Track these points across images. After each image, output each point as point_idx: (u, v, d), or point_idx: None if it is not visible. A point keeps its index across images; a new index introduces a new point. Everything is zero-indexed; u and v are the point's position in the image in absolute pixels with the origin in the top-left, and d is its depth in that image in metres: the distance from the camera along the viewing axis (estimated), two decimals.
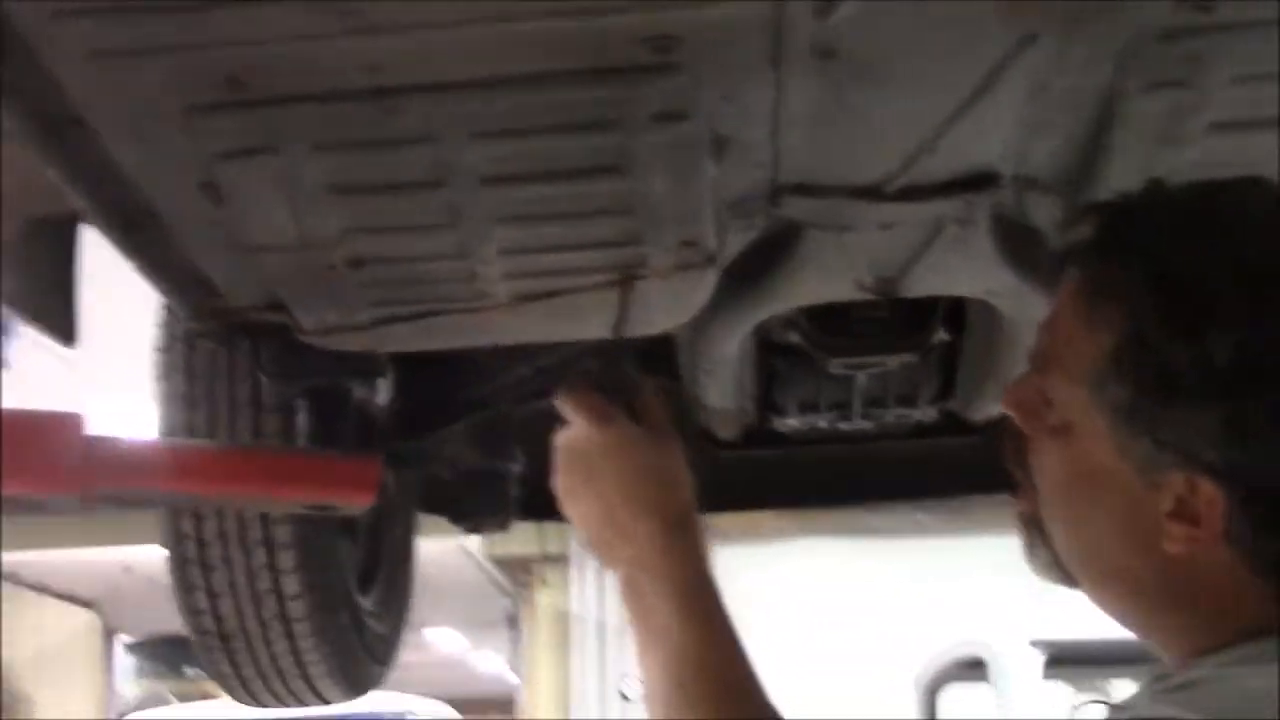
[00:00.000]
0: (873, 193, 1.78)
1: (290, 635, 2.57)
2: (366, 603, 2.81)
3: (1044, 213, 1.86)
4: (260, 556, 2.48)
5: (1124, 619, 1.24)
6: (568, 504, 1.47)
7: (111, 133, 1.58)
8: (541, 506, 3.07)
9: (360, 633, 2.73)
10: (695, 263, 1.84)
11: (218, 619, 2.56)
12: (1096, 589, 1.23)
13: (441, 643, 17.49)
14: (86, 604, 14.85)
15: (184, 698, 13.45)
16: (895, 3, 1.38)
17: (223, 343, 2.30)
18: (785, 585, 12.86)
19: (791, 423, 2.79)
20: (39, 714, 14.90)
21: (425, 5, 1.37)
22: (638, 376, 1.56)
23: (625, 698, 13.82)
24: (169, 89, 1.48)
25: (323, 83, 1.49)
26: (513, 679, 14.09)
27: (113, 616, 15.32)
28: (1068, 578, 1.25)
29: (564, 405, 1.51)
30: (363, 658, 2.76)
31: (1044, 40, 1.47)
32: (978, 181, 1.78)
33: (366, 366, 2.21)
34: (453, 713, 13.38)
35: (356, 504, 2.21)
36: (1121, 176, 1.70)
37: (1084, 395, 1.17)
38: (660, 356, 2.44)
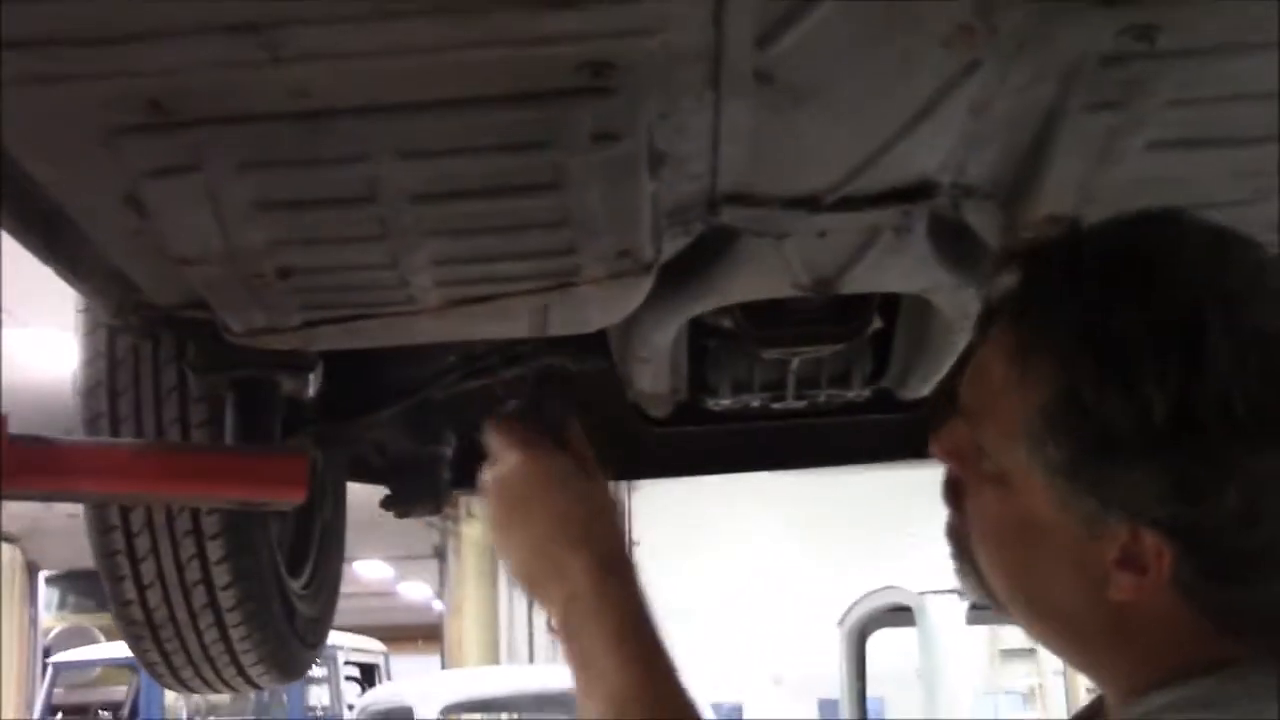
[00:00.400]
0: (810, 203, 1.77)
1: (221, 624, 2.54)
2: (296, 585, 2.79)
3: (981, 218, 1.85)
4: (189, 547, 2.44)
5: (1061, 654, 1.23)
6: (500, 538, 1.44)
7: (27, 152, 1.54)
8: (473, 479, 3.09)
9: (291, 618, 2.71)
10: (631, 270, 1.82)
11: (146, 609, 2.52)
12: (1034, 627, 1.21)
13: (369, 574, 17.51)
14: (9, 539, 14.72)
15: (107, 631, 13.38)
16: (837, 34, 1.35)
17: (146, 337, 2.26)
18: (716, 516, 12.94)
19: (724, 402, 2.77)
20: None
21: (353, 35, 1.33)
22: (563, 409, 1.54)
23: (554, 630, 13.93)
24: (89, 113, 1.44)
25: (246, 106, 1.45)
26: (439, 607, 14.10)
27: (34, 550, 15.20)
28: (995, 601, 1.23)
29: (492, 439, 1.47)
30: (293, 642, 2.74)
31: (987, 65, 1.45)
32: (915, 192, 1.76)
33: (295, 361, 2.18)
34: (380, 646, 13.40)
35: (286, 501, 2.18)
36: (1059, 190, 1.70)
37: (1020, 450, 1.13)
38: (592, 342, 2.41)
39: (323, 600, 2.94)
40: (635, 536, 13.74)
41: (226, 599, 2.50)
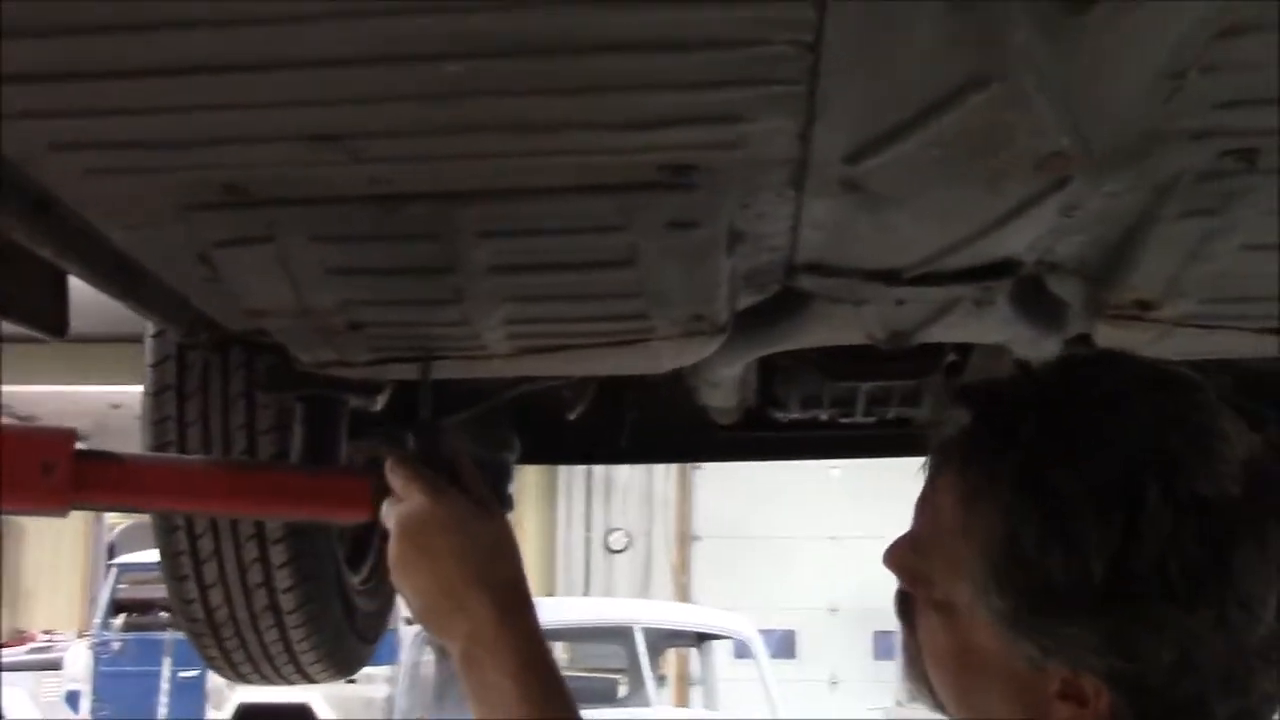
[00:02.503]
0: (888, 277, 1.75)
1: (281, 625, 2.57)
2: (356, 581, 2.81)
3: (1066, 289, 1.82)
4: (252, 550, 2.47)
5: None
6: (401, 576, 1.52)
7: (102, 221, 1.54)
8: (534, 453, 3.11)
9: (350, 616, 2.73)
10: (703, 331, 1.82)
11: (208, 609, 2.55)
12: None
13: None
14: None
15: None
16: (924, 157, 1.32)
17: (215, 353, 2.27)
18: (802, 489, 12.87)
19: (792, 415, 2.76)
20: (29, 545, 15.10)
21: (432, 144, 1.32)
22: (459, 449, 1.60)
23: (611, 550, 14.04)
24: (163, 193, 1.44)
25: (323, 190, 1.44)
26: None
27: (101, 447, 15.42)
28: (945, 713, 1.26)
29: (394, 479, 1.55)
30: (351, 639, 2.77)
31: (1079, 179, 1.42)
32: (998, 270, 1.74)
33: (364, 385, 2.18)
34: None
35: (352, 521, 2.19)
36: (1149, 281, 1.68)
37: (965, 589, 1.17)
38: None
39: (381, 595, 2.97)
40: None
41: (287, 601, 2.52)
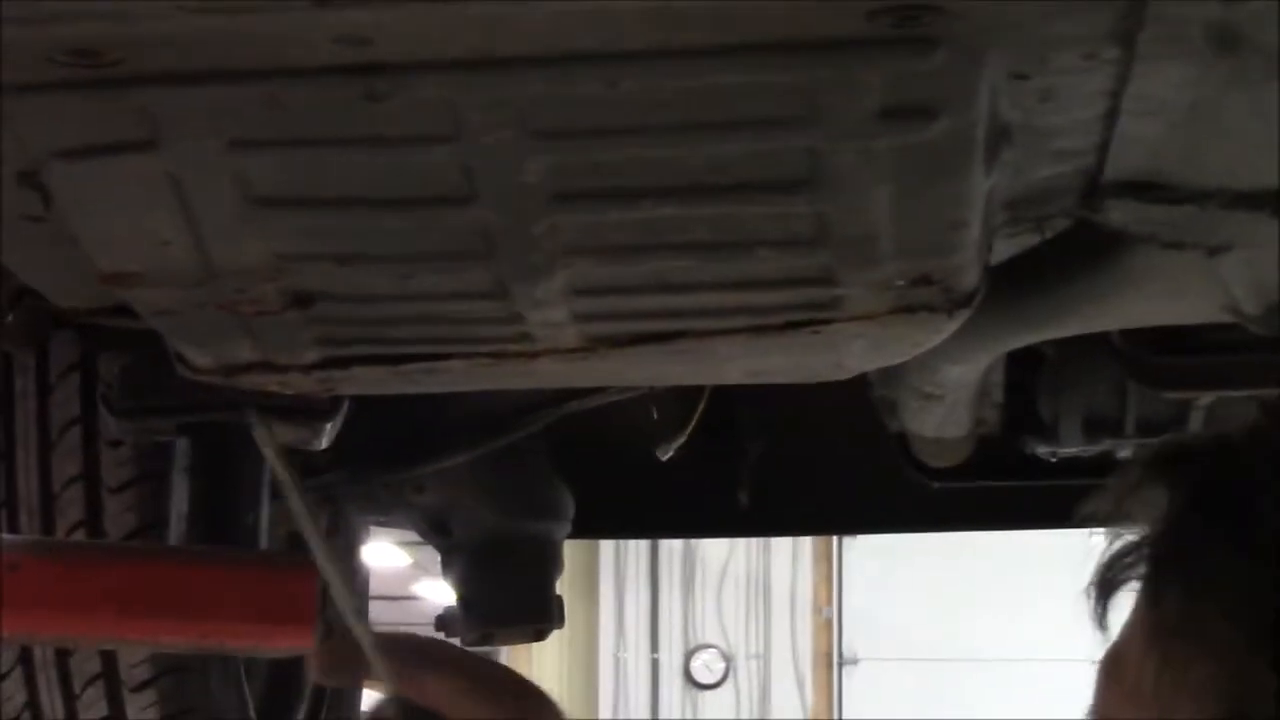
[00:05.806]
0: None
1: None
2: None
3: None
4: (96, 704, 2.48)
5: None
6: None
7: None
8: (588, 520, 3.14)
9: None
10: (932, 305, 1.83)
11: None
12: None
13: (372, 563, 18.07)
14: None
15: None
16: None
17: (26, 347, 2.28)
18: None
19: (1065, 450, 2.78)
20: None
21: None
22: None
23: (697, 684, 14.22)
24: None
25: (252, 60, 1.47)
26: None
27: None
28: None
29: None
30: None
31: None
32: None
33: (300, 406, 2.19)
34: None
35: (284, 650, 2.20)
36: None
37: None
38: None
39: None
40: None
41: None
